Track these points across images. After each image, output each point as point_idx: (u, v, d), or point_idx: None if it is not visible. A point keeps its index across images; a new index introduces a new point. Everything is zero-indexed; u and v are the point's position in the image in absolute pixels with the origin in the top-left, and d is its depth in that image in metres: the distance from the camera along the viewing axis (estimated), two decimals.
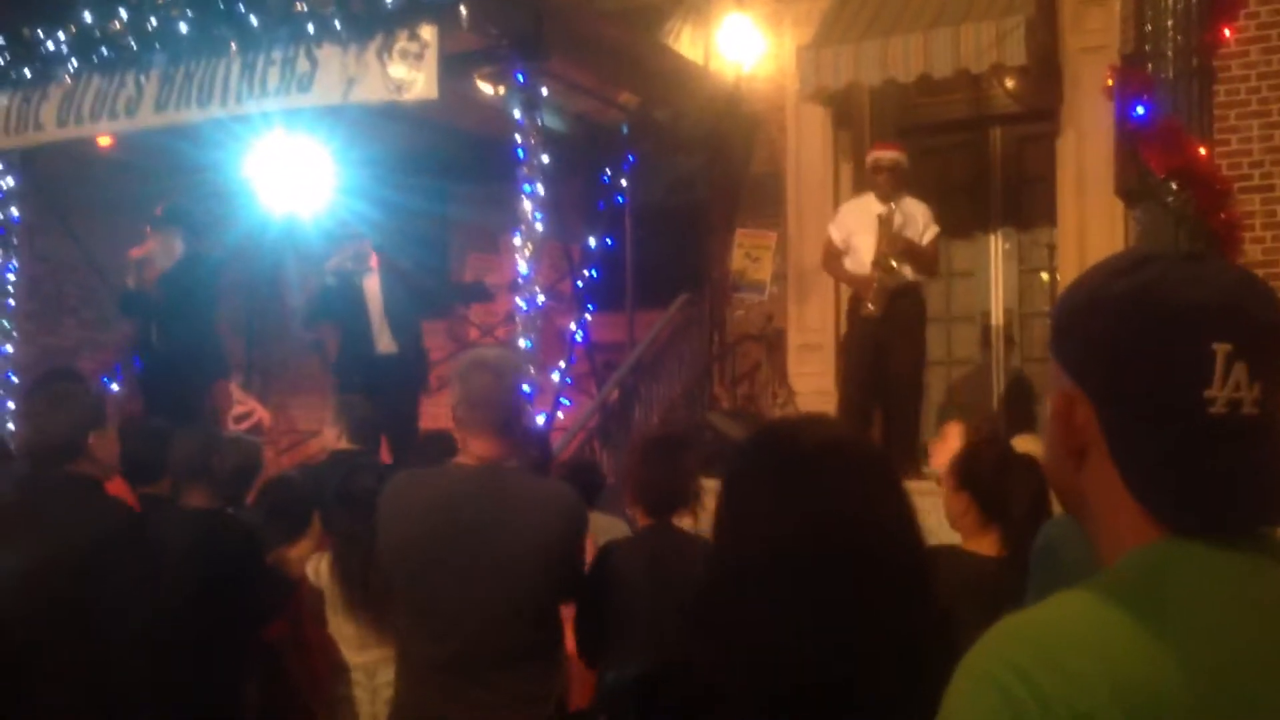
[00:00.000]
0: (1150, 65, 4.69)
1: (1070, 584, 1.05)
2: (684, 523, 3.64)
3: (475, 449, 3.08)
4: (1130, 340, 1.06)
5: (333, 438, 5.21)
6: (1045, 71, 7.66)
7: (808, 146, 8.47)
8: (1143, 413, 1.05)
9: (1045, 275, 8.28)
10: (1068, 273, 7.74)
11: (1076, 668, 0.96)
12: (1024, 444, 4.73)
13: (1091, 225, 7.55)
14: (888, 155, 6.96)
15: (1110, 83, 4.83)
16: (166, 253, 7.20)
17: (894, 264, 6.70)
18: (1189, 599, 1.01)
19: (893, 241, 6.72)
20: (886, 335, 6.75)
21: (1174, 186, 4.65)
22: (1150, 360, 1.05)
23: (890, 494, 1.51)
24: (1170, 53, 4.69)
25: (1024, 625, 1.03)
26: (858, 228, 6.93)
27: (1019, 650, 0.99)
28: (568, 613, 3.35)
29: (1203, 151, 4.69)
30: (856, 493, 1.48)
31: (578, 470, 5.17)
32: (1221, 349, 1.03)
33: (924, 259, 6.82)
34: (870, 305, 6.75)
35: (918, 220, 6.83)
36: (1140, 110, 4.61)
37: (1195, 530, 1.04)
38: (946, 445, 4.20)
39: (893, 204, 6.78)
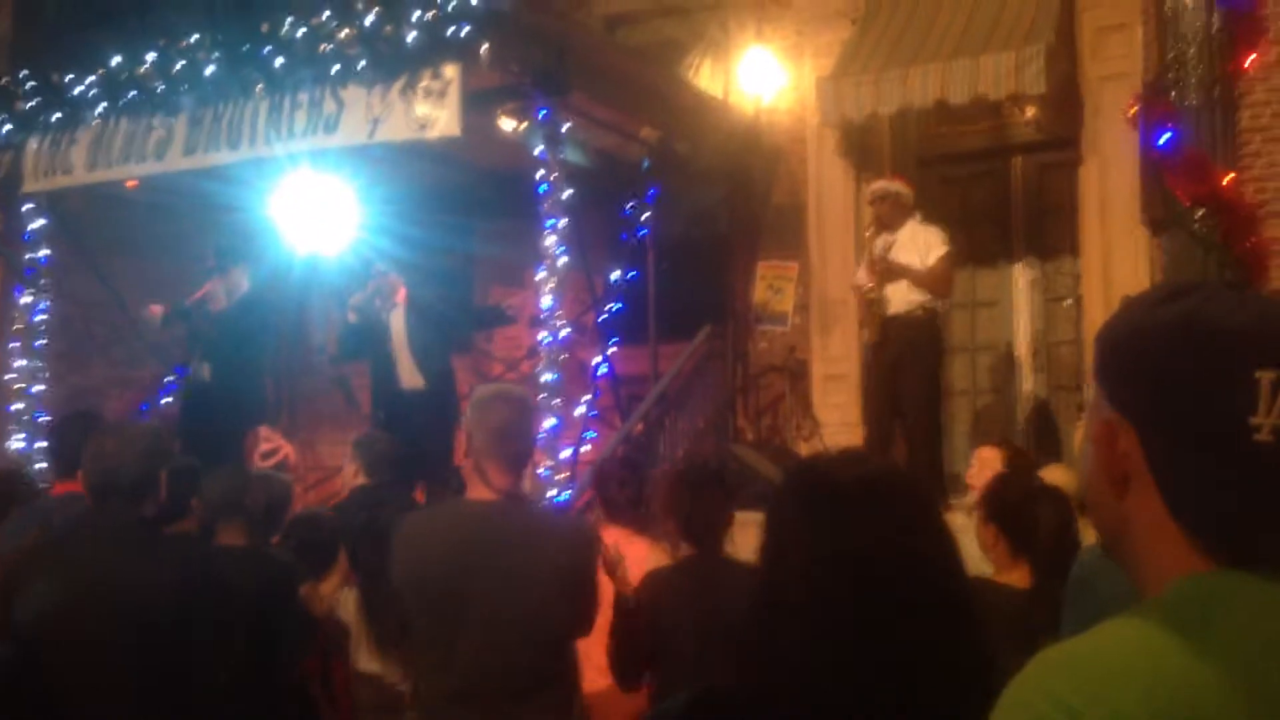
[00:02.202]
0: (1173, 93, 4.68)
1: (1108, 615, 1.03)
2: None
3: (494, 480, 3.10)
4: (1175, 367, 1.06)
5: (351, 474, 5.31)
6: (1066, 99, 7.66)
7: (829, 178, 8.49)
8: (1187, 440, 1.05)
9: (1069, 303, 8.24)
10: (1093, 301, 7.70)
11: (1119, 699, 0.95)
12: (1052, 474, 4.69)
13: (1116, 253, 7.52)
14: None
15: (1133, 111, 4.82)
16: (230, 291, 7.29)
17: (868, 286, 6.79)
18: (1235, 630, 1.00)
19: (872, 266, 6.80)
20: (894, 362, 6.78)
21: (1200, 213, 4.63)
22: (1195, 387, 1.05)
23: (930, 527, 1.50)
24: (1193, 80, 4.69)
25: (1065, 656, 1.01)
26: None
27: (1060, 681, 0.98)
28: (583, 644, 3.35)
29: (1228, 178, 4.67)
30: (896, 527, 1.47)
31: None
32: (1265, 376, 1.02)
33: (925, 280, 6.74)
34: (865, 332, 6.85)
35: (923, 244, 6.83)
36: (1164, 138, 4.60)
37: (1240, 560, 1.03)
38: (984, 471, 4.19)
39: (871, 231, 6.90)
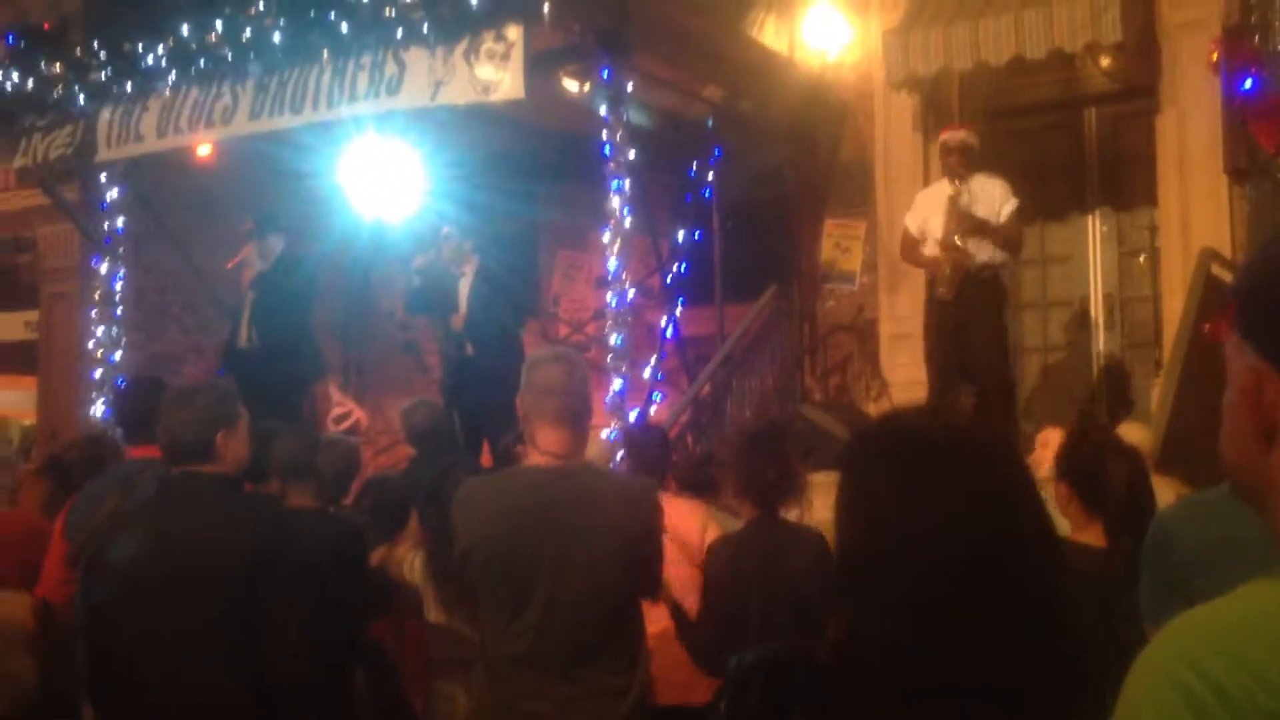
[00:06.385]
0: (1256, 36, 4.51)
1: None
2: (790, 514, 3.64)
3: (542, 441, 3.06)
4: None
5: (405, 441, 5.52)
6: (1142, 48, 7.42)
7: (896, 134, 8.34)
8: None
9: (1144, 258, 8.04)
10: (1170, 254, 7.51)
11: (1264, 665, 0.89)
12: (1128, 432, 4.61)
13: (1194, 204, 7.31)
14: (955, 136, 6.93)
15: (1215, 57, 4.65)
16: (265, 255, 7.40)
17: (958, 243, 6.65)
18: None
19: (960, 221, 6.67)
20: (962, 320, 6.67)
21: None
22: None
23: (1025, 483, 1.44)
24: (1277, 23, 4.51)
25: (1205, 619, 0.96)
26: (931, 212, 6.88)
27: (1200, 646, 0.93)
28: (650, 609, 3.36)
29: None
30: (993, 482, 1.40)
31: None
32: None
33: (1000, 236, 6.67)
34: (942, 289, 6.71)
35: (993, 197, 6.72)
36: (1248, 84, 4.44)
37: None
38: (1049, 451, 4.10)
39: (958, 182, 6.75)
